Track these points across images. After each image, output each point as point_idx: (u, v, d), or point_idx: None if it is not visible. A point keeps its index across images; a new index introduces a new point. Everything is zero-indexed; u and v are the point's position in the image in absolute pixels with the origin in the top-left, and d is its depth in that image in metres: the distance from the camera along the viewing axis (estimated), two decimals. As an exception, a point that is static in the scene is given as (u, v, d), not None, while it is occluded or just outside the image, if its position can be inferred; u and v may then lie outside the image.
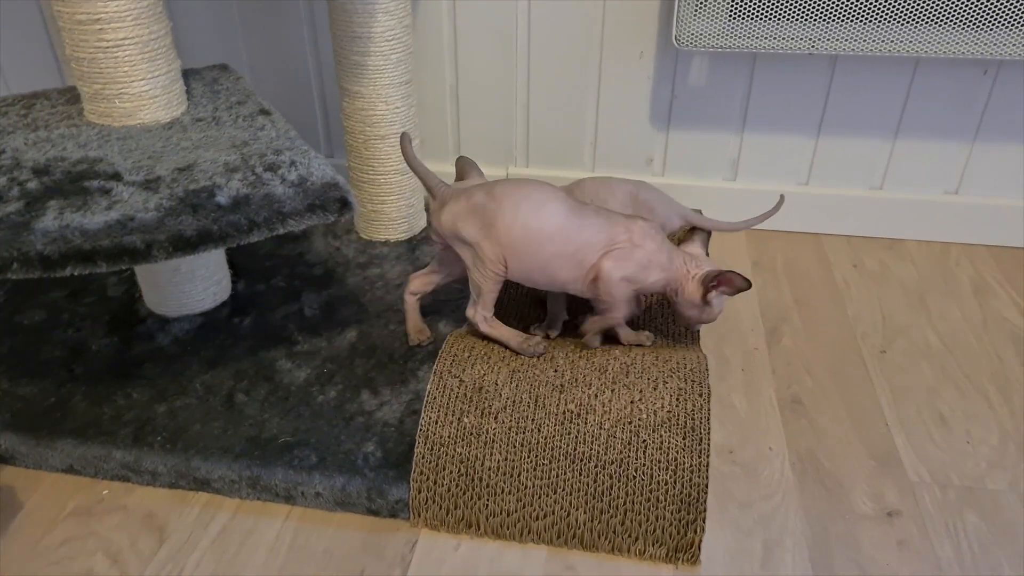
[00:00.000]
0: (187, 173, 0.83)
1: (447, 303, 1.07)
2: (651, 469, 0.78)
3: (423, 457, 0.81)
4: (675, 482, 0.77)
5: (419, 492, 0.81)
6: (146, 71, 0.91)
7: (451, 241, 0.88)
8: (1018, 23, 1.02)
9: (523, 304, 1.08)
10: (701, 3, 1.07)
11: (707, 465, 0.77)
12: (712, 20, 1.08)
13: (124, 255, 0.72)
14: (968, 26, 1.04)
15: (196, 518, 0.83)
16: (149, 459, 0.85)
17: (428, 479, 0.81)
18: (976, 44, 1.05)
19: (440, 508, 0.81)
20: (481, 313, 0.90)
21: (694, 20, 1.07)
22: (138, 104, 0.92)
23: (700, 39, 1.08)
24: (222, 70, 1.09)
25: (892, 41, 1.06)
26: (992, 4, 1.01)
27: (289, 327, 1.03)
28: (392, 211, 1.20)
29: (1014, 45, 1.04)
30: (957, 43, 1.05)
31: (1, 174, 0.82)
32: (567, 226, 0.84)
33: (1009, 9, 1.01)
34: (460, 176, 1.01)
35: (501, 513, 0.80)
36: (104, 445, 0.86)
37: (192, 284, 1.03)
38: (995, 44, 1.04)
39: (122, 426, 0.88)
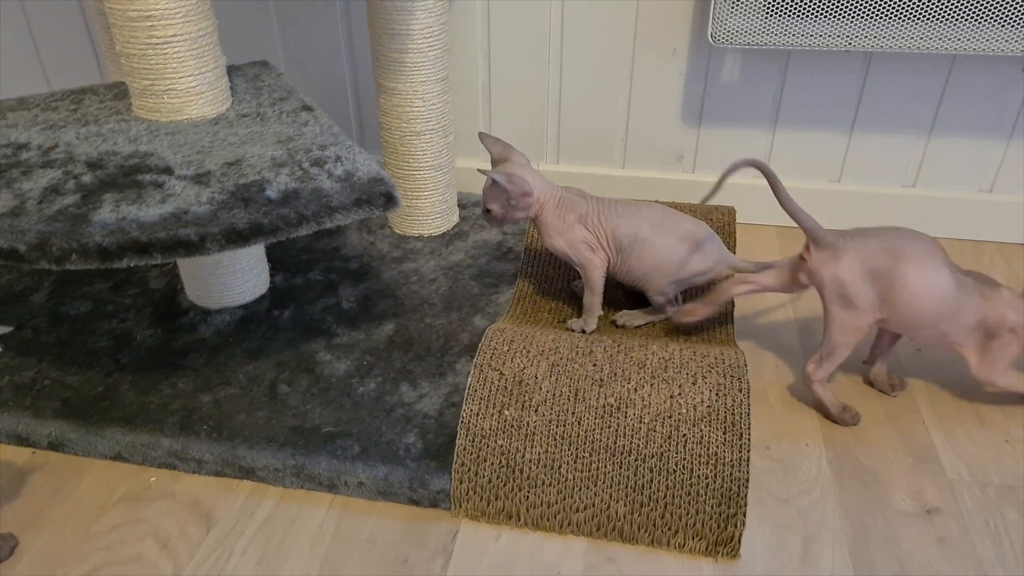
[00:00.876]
0: (236, 168, 0.84)
1: (480, 298, 1.09)
2: (691, 463, 0.79)
3: (464, 449, 0.83)
4: (715, 476, 0.78)
5: (460, 483, 0.82)
6: (194, 67, 0.92)
7: (825, 293, 0.86)
8: (1059, 21, 1.02)
9: (558, 299, 1.09)
10: (737, 0, 1.07)
11: (748, 460, 0.78)
12: (748, 17, 1.08)
13: (179, 247, 0.74)
14: (1006, 23, 1.03)
15: (242, 505, 0.85)
16: (196, 447, 0.87)
17: (469, 470, 0.82)
18: (1014, 41, 1.04)
19: (481, 499, 0.82)
20: (823, 372, 0.90)
21: (730, 17, 1.08)
22: (186, 100, 0.94)
23: (736, 36, 1.08)
24: (263, 67, 1.11)
25: (929, 38, 1.06)
26: (1033, 2, 1.01)
27: (328, 320, 1.04)
28: (427, 207, 1.21)
29: (1053, 43, 1.03)
30: (994, 40, 1.04)
31: (56, 167, 0.84)
32: (953, 302, 0.84)
33: (1050, 7, 1.01)
34: (500, 159, 1.01)
35: (541, 505, 0.81)
36: (152, 433, 0.88)
37: (233, 277, 1.05)
38: (1034, 42, 1.04)
39: (169, 415, 0.90)
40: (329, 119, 0.96)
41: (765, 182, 1.31)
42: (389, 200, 0.82)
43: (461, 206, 1.28)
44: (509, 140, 1.35)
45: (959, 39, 1.05)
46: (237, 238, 0.75)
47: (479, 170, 0.95)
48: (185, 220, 0.75)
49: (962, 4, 1.03)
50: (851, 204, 1.28)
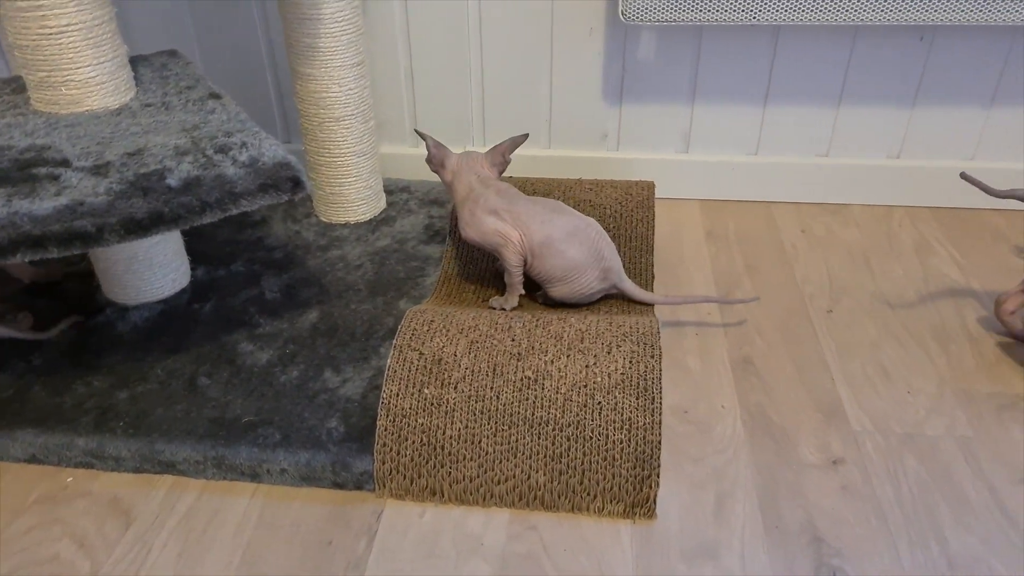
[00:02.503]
0: (137, 158, 0.83)
1: (406, 282, 1.09)
2: (606, 429, 0.81)
3: (386, 429, 0.83)
4: (629, 441, 0.80)
5: (383, 463, 0.83)
6: (91, 57, 0.90)
7: None
8: (948, -10, 1.06)
9: (483, 279, 1.10)
10: (646, -22, 1.09)
11: (660, 423, 0.80)
12: (657, -6, 1.10)
13: (75, 240, 0.73)
14: (903, -6, 1.07)
15: (162, 500, 0.84)
16: (112, 445, 0.85)
17: (391, 450, 0.83)
18: (912, 11, 1.08)
19: (404, 478, 0.83)
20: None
21: (639, -6, 1.09)
22: (85, 91, 0.91)
23: (645, 13, 1.10)
24: (171, 56, 1.09)
25: (831, 10, 1.09)
26: (923, -28, 1.05)
27: (250, 310, 1.03)
28: (351, 193, 1.20)
29: (948, 11, 1.08)
30: (893, 10, 1.08)
31: (-54, 164, 0.82)
32: None
33: (939, -24, 1.05)
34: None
35: (464, 479, 0.82)
36: (66, 433, 0.86)
37: (150, 272, 1.03)
38: (930, 10, 1.08)
39: (83, 414, 0.88)
40: (237, 106, 0.94)
41: (686, 156, 1.34)
42: (296, 185, 0.81)
43: (388, 192, 1.28)
44: (435, 124, 1.36)
45: (860, 10, 1.09)
46: (136, 228, 0.74)
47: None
48: (80, 212, 0.74)
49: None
50: (769, 176, 1.31)
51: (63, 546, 0.79)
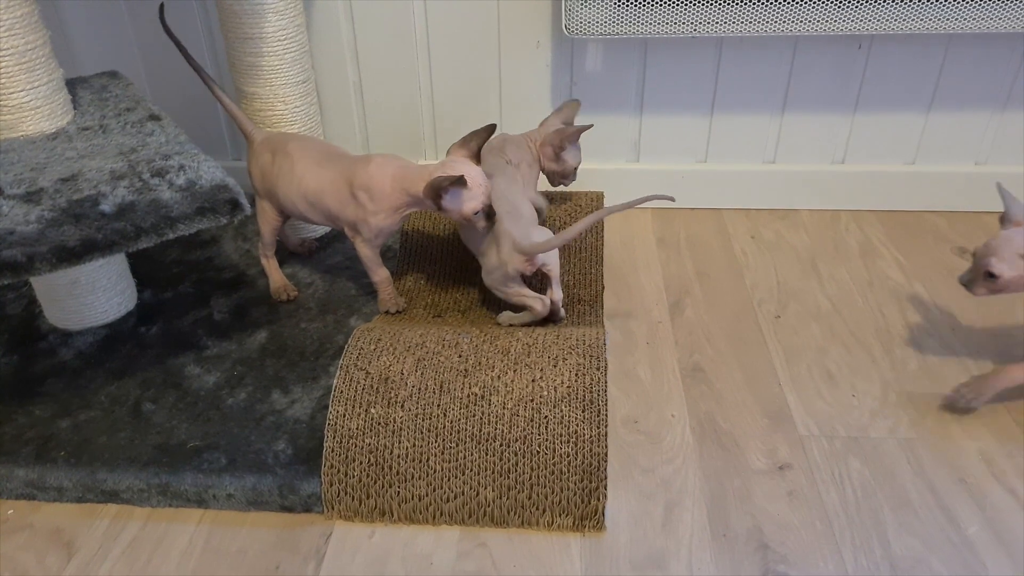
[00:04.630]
0: (71, 183, 0.81)
1: (357, 299, 1.09)
2: (553, 443, 0.81)
3: (332, 451, 0.83)
4: (576, 454, 0.81)
5: (331, 485, 0.82)
6: (25, 82, 0.89)
7: None
8: None
9: (434, 294, 1.10)
10: (589, -9, 1.10)
11: (606, 435, 0.81)
12: (599, 8, 1.11)
13: (5, 270, 0.71)
14: (841, 4, 1.09)
15: (106, 530, 0.82)
16: (53, 475, 0.83)
17: (339, 472, 0.82)
18: (848, 21, 1.11)
19: (353, 499, 0.82)
20: None
21: (582, 8, 1.10)
22: (19, 116, 0.90)
23: (588, 27, 1.11)
24: (111, 77, 1.07)
25: (770, 22, 1.11)
26: (858, -17, 1.07)
27: (198, 332, 1.02)
28: (301, 211, 1.19)
29: (882, 20, 1.10)
30: (831, 20, 1.11)
31: None
32: None
33: (873, -13, 1.07)
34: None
35: (412, 498, 0.82)
36: (5, 465, 0.84)
37: (94, 296, 1.01)
38: (866, 20, 1.10)
39: (23, 444, 0.86)
40: (177, 128, 0.93)
41: (637, 165, 1.35)
42: (235, 207, 0.81)
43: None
44: (386, 138, 1.35)
45: (798, 21, 1.11)
46: (69, 256, 0.73)
47: None
48: (10, 241, 0.72)
49: (797, -13, 1.08)
50: (718, 183, 1.33)
51: (2, 582, 0.77)
